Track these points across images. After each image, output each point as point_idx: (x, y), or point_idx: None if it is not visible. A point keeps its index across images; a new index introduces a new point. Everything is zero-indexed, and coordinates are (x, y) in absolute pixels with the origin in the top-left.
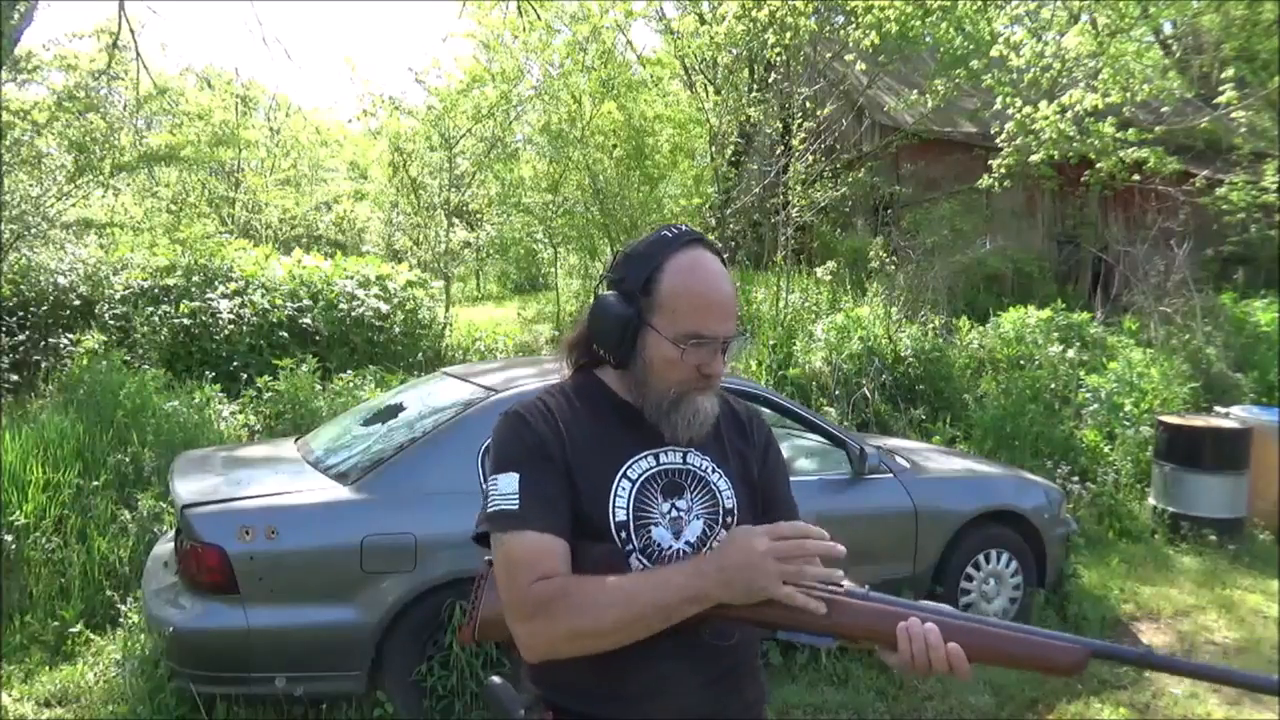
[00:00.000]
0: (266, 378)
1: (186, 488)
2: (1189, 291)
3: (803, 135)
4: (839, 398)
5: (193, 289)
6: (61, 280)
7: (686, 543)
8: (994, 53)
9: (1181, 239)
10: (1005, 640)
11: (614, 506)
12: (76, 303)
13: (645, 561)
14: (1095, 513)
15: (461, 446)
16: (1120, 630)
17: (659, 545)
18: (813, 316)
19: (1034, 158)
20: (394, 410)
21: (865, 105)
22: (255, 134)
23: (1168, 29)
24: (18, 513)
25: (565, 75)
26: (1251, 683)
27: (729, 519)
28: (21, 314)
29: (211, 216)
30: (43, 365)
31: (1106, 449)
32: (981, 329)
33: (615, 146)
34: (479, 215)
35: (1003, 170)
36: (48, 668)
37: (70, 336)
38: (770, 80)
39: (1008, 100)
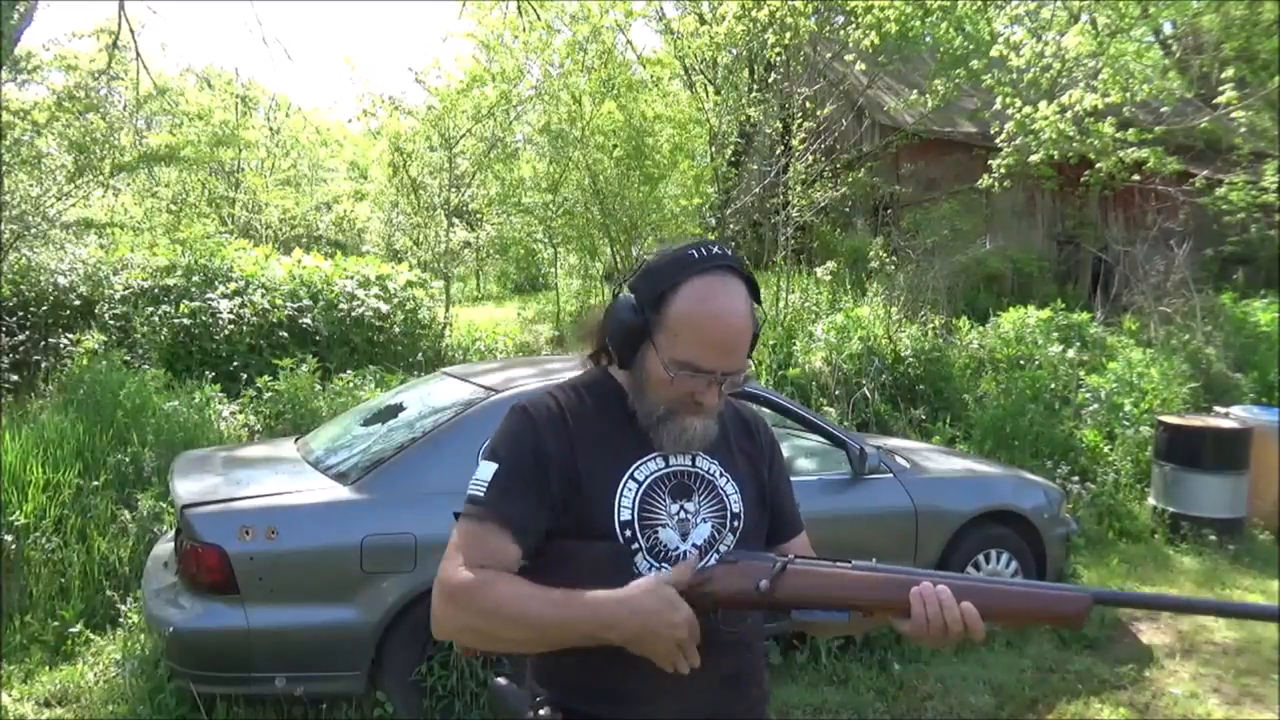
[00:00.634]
0: (266, 378)
1: (186, 488)
2: (1189, 291)
3: (803, 135)
4: (839, 398)
5: (193, 289)
6: (61, 280)
7: (694, 545)
8: (994, 53)
9: (1181, 239)
10: (1014, 596)
11: (619, 505)
12: (76, 303)
13: (652, 561)
14: (1095, 513)
15: (461, 446)
16: (1120, 630)
17: (666, 546)
18: (813, 316)
19: (1034, 158)
20: (394, 410)
21: (865, 105)
22: (255, 134)
23: (1168, 29)
24: (18, 513)
25: (565, 75)
26: (1251, 612)
27: (736, 523)
28: (21, 314)
29: (211, 216)
30: (43, 365)
31: (1106, 449)
32: (981, 329)
33: (615, 146)
34: (479, 215)
35: (1003, 170)
36: (48, 668)
37: (70, 336)
38: (770, 80)
39: (1008, 100)
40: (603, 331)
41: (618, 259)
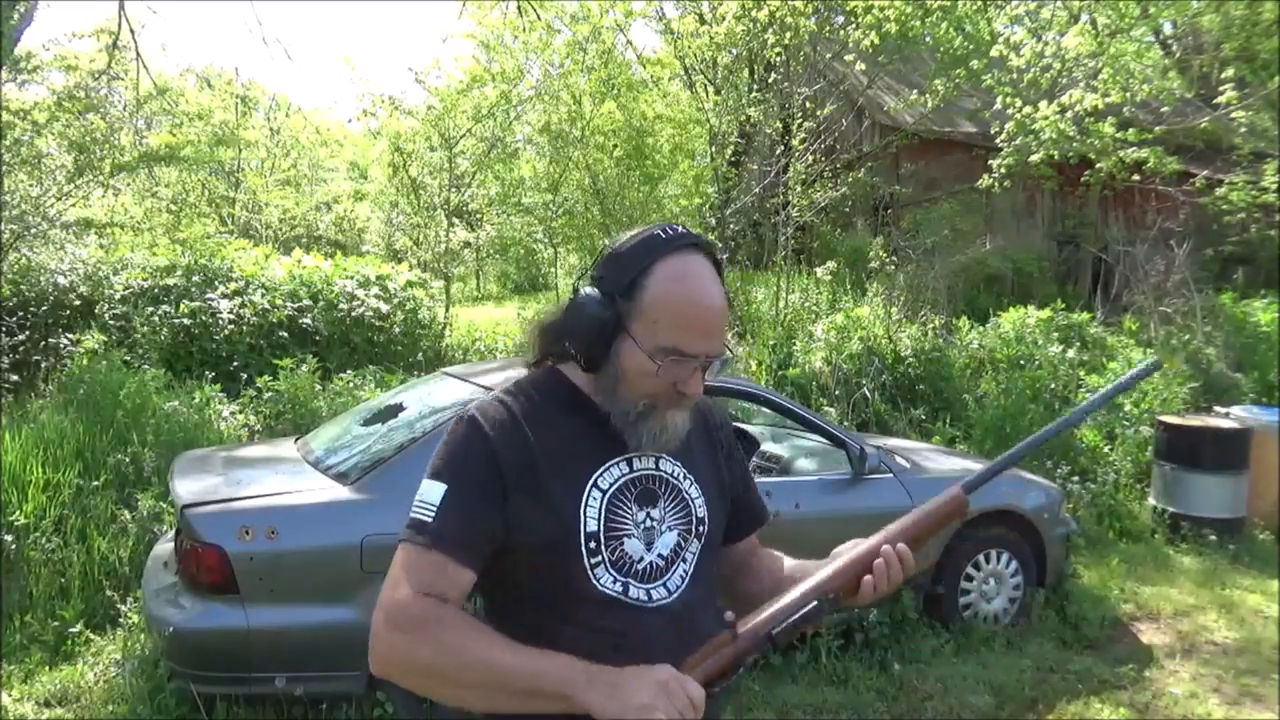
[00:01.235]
0: (266, 378)
1: (186, 488)
2: (1189, 291)
3: (803, 135)
4: (839, 398)
5: (193, 289)
6: (61, 280)
7: (659, 555)
8: (994, 53)
9: (1181, 239)
10: (913, 524)
11: (584, 517)
12: (76, 303)
13: (615, 574)
14: (1095, 513)
15: None
16: (1120, 630)
17: (631, 557)
18: (813, 316)
19: (1034, 158)
20: (394, 410)
21: (865, 105)
22: (255, 134)
23: (1168, 29)
24: (18, 513)
25: (565, 75)
26: (1136, 376)
27: (701, 528)
28: (21, 314)
29: (211, 216)
30: (43, 365)
31: (1106, 449)
32: (981, 329)
33: (615, 146)
34: (479, 215)
35: (1003, 170)
36: (48, 668)
37: (70, 336)
38: (770, 80)
39: (1008, 100)
40: (560, 332)
41: None
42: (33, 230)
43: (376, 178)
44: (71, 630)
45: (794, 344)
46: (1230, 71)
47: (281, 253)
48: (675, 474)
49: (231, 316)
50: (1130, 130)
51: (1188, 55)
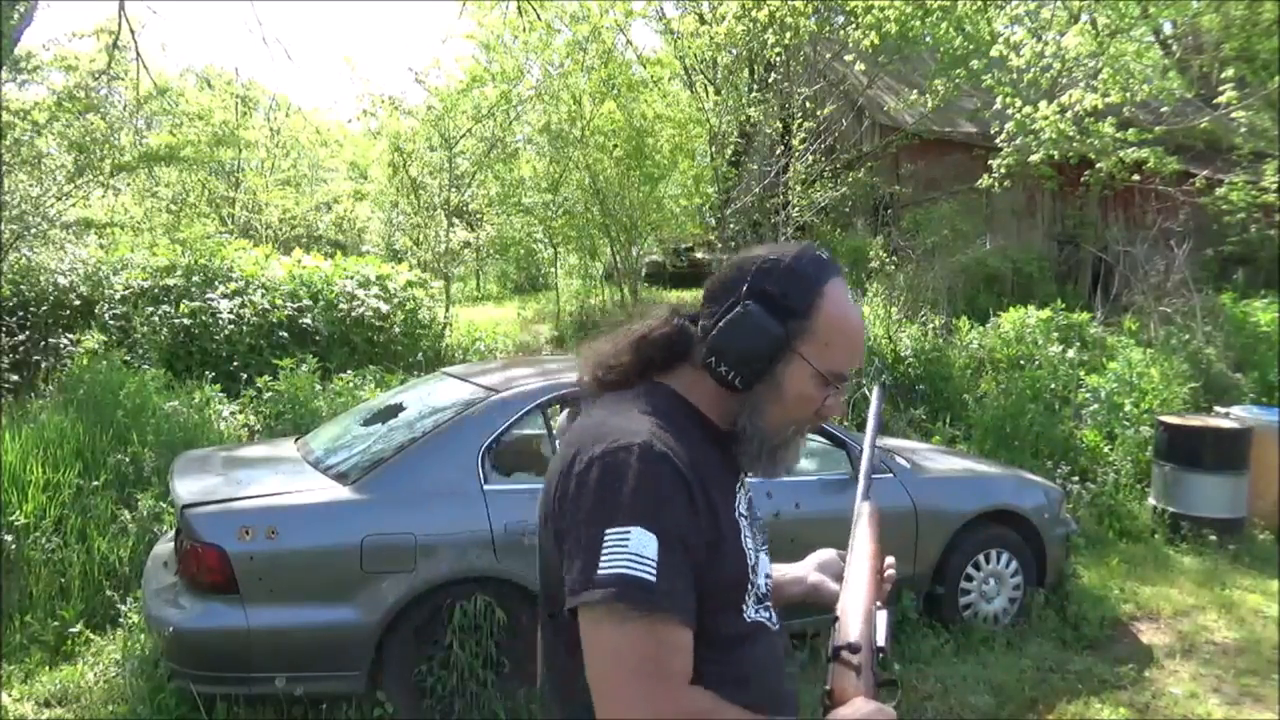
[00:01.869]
0: (266, 378)
1: (186, 488)
2: (1189, 291)
3: (803, 135)
4: None
5: (193, 289)
6: (61, 280)
7: (766, 577)
8: (994, 53)
9: (1181, 239)
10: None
11: (747, 550)
12: (76, 303)
13: (756, 604)
14: (1095, 513)
15: (461, 446)
16: (1120, 630)
17: (759, 585)
18: None
19: (1034, 158)
20: (394, 410)
21: (865, 105)
22: (255, 134)
23: (1168, 29)
24: (18, 513)
25: (565, 75)
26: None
27: (766, 545)
28: (21, 314)
29: (211, 216)
30: (43, 365)
31: (1106, 449)
32: (981, 329)
33: (615, 146)
34: (479, 215)
35: (1003, 170)
36: (48, 668)
37: (70, 336)
38: (770, 80)
39: (1008, 100)
40: (718, 347)
41: (618, 259)
42: (33, 230)
43: (376, 178)
44: (71, 630)
45: None
46: (1230, 71)
47: (281, 253)
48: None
49: (231, 316)
50: (1130, 130)
51: (1188, 55)
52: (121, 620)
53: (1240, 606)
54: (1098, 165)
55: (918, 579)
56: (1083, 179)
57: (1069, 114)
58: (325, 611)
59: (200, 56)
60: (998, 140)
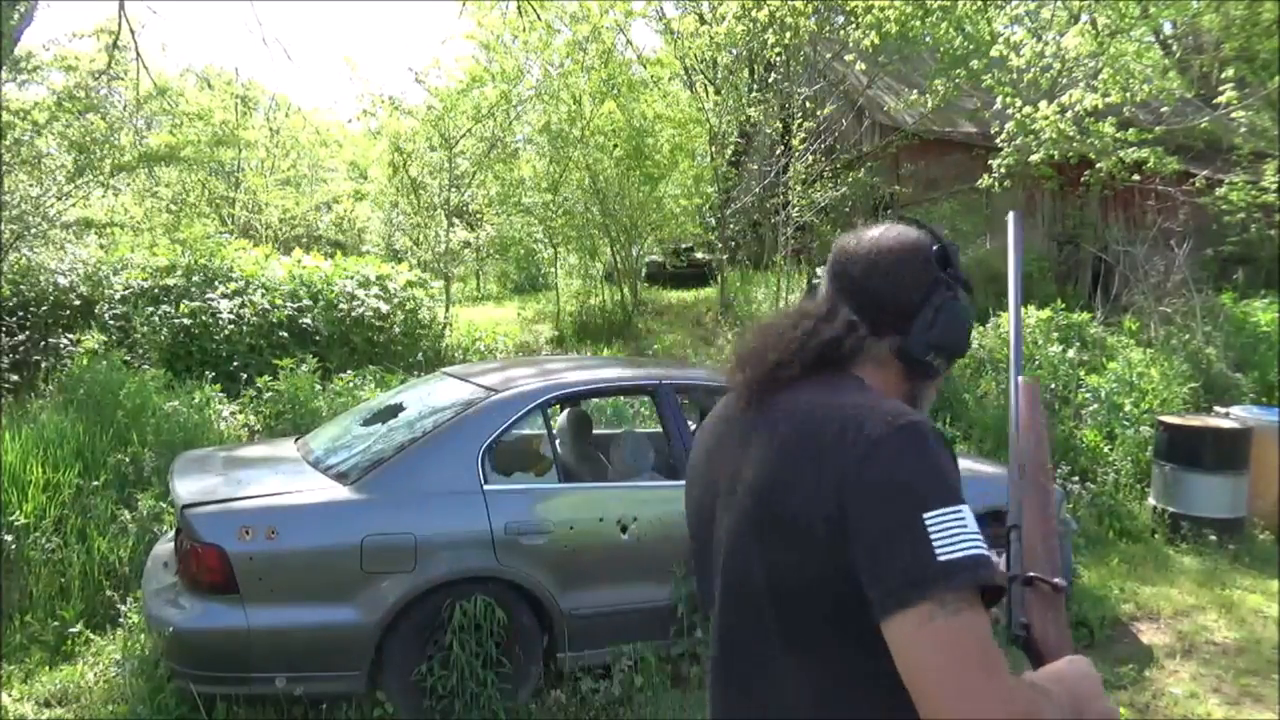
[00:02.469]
0: (266, 378)
1: (186, 488)
2: (1189, 291)
3: (803, 135)
4: None
5: (193, 289)
6: (61, 280)
7: None
8: (994, 53)
9: (1181, 239)
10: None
11: None
12: (76, 303)
13: None
14: (1095, 513)
15: (461, 446)
16: (1120, 630)
17: None
18: None
19: (1034, 158)
20: (394, 410)
21: (865, 105)
22: (255, 134)
23: (1168, 29)
24: (18, 513)
25: (565, 75)
26: None
27: None
28: (21, 314)
29: (211, 216)
30: (43, 365)
31: (1106, 449)
32: (981, 329)
33: (615, 146)
34: (479, 215)
35: (1003, 170)
36: (48, 668)
37: (70, 336)
38: (770, 80)
39: (1008, 100)
40: (946, 341)
41: (618, 259)
42: (33, 230)
43: (376, 178)
44: (71, 630)
45: None
46: (1230, 71)
47: (281, 253)
48: None
49: (231, 316)
50: (1130, 130)
51: (1188, 55)
52: (121, 620)
53: (1240, 606)
54: (1098, 165)
55: None
56: (1083, 179)
57: (1069, 114)
58: (325, 611)
59: (200, 56)
60: (998, 140)
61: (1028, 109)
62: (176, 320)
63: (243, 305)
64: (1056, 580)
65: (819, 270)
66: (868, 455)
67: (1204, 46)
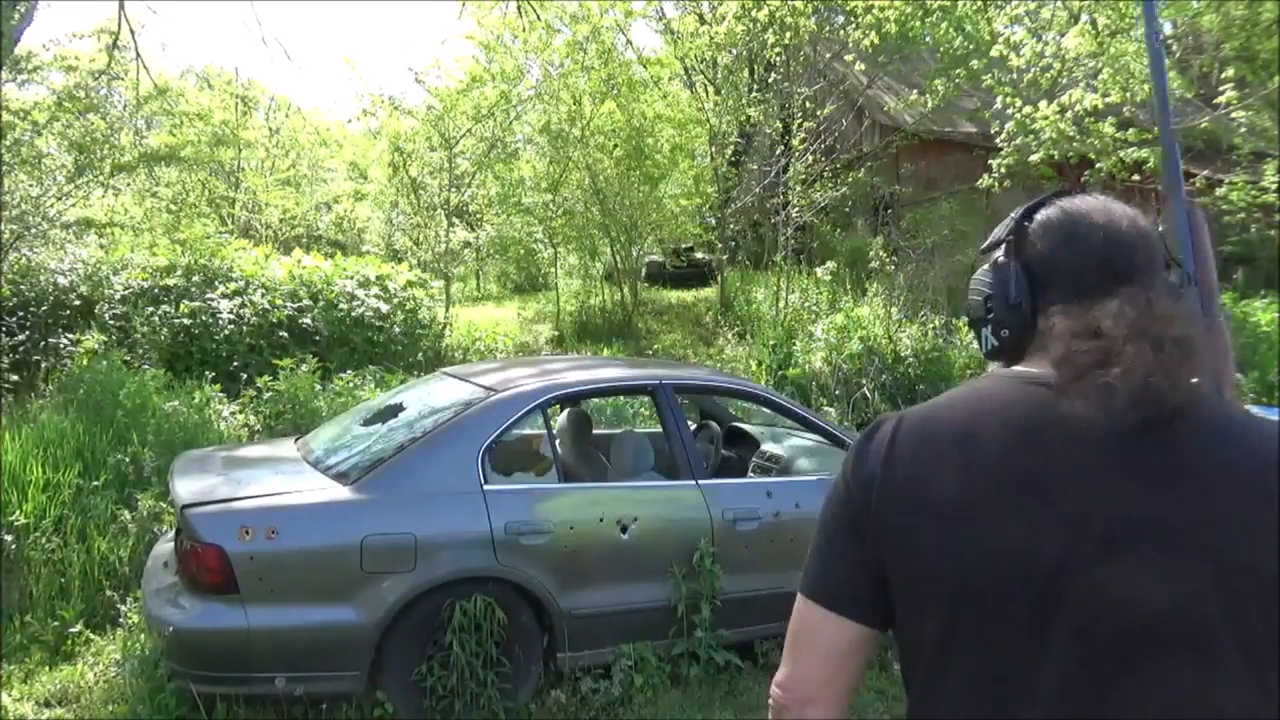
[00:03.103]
0: (266, 378)
1: (186, 488)
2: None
3: (803, 135)
4: (839, 398)
5: (193, 289)
6: (61, 280)
7: None
8: (994, 53)
9: None
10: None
11: None
12: (76, 303)
13: None
14: None
15: (461, 446)
16: None
17: None
18: (813, 316)
19: (1034, 158)
20: (394, 410)
21: (865, 105)
22: (255, 134)
23: (1168, 29)
24: (18, 513)
25: (565, 75)
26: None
27: None
28: (21, 314)
29: (211, 216)
30: (43, 365)
31: None
32: None
33: (615, 146)
34: (479, 215)
35: (1003, 170)
36: (48, 668)
37: (70, 336)
38: (770, 80)
39: (1008, 100)
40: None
41: (618, 259)
42: (33, 230)
43: (376, 178)
44: (71, 630)
45: (794, 344)
46: (1230, 71)
47: (281, 253)
48: None
49: (231, 316)
50: (1130, 130)
51: (1188, 55)
52: (121, 620)
53: None
54: (1098, 165)
55: None
56: (1083, 179)
57: (1069, 114)
58: (325, 611)
59: (200, 56)
60: (998, 140)
61: (1028, 109)
62: (176, 320)
63: (243, 305)
64: None
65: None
66: None
67: (1204, 46)
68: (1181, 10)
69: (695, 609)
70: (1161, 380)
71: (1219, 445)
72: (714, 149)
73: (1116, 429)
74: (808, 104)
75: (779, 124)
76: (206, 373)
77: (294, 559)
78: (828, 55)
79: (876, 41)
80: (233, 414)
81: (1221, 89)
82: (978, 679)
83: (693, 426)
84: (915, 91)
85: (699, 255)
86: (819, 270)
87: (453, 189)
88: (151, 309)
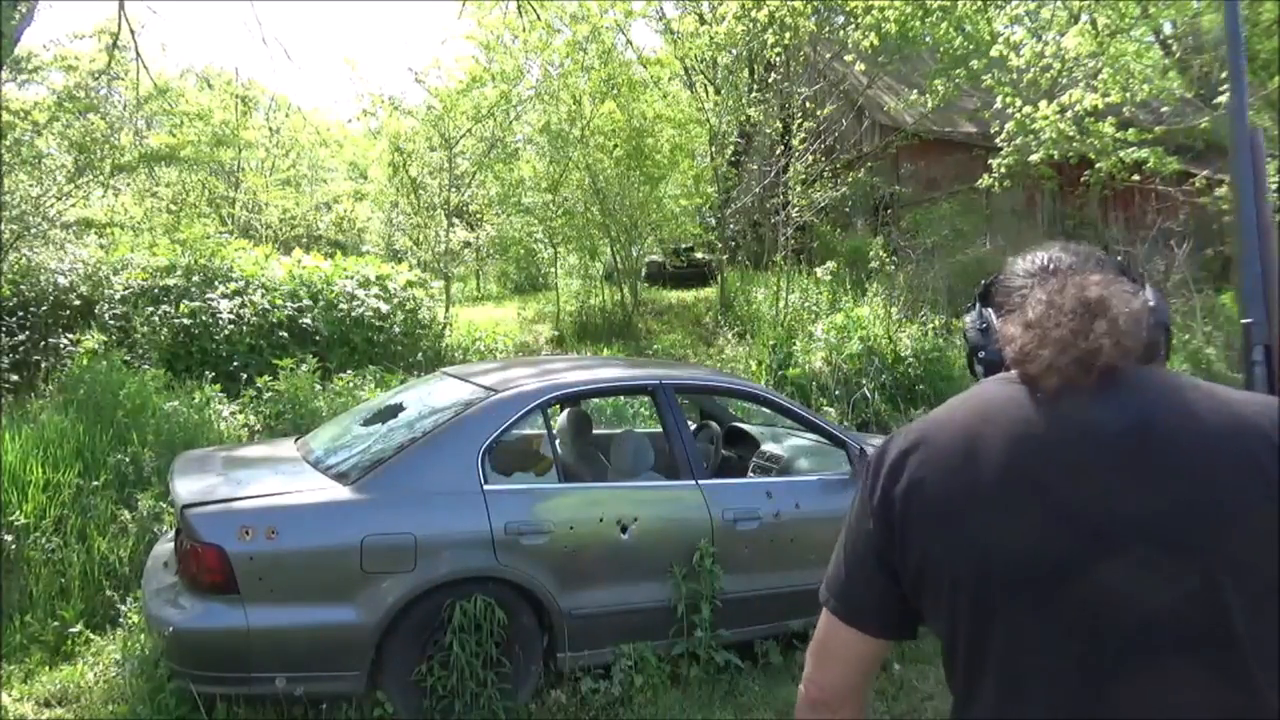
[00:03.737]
0: (266, 378)
1: (186, 488)
2: (1189, 291)
3: (803, 135)
4: (839, 398)
5: (193, 289)
6: (61, 280)
7: None
8: (994, 53)
9: (1181, 239)
10: None
11: None
12: (76, 303)
13: None
14: None
15: (461, 446)
16: None
17: None
18: (813, 316)
19: (1034, 158)
20: (394, 410)
21: (865, 105)
22: (255, 134)
23: (1168, 29)
24: (18, 513)
25: (565, 75)
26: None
27: None
28: (21, 314)
29: (211, 216)
30: (43, 365)
31: None
32: None
33: (615, 146)
34: (479, 215)
35: (1003, 170)
36: (48, 668)
37: (70, 336)
38: (770, 80)
39: (1008, 100)
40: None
41: (618, 259)
42: (33, 230)
43: (376, 178)
44: (71, 630)
45: (794, 344)
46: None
47: (281, 253)
48: None
49: (231, 316)
50: (1130, 130)
51: (1188, 55)
52: (121, 620)
53: None
54: (1098, 165)
55: None
56: (1083, 179)
57: (1069, 114)
58: (325, 611)
59: (200, 56)
60: (998, 140)
61: (1028, 109)
62: (176, 320)
63: (243, 305)
64: None
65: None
66: None
67: (1204, 46)
68: (1181, 10)
69: (695, 609)
70: (1080, 341)
71: (1212, 436)
72: (714, 149)
73: (1111, 427)
74: (808, 104)
75: (779, 124)
76: (206, 373)
77: (294, 559)
78: (827, 55)
79: (876, 42)
80: (233, 414)
81: (1221, 89)
82: (1003, 679)
83: (693, 426)
84: (915, 91)
85: (699, 255)
86: (819, 270)
87: (453, 189)
88: (151, 309)
